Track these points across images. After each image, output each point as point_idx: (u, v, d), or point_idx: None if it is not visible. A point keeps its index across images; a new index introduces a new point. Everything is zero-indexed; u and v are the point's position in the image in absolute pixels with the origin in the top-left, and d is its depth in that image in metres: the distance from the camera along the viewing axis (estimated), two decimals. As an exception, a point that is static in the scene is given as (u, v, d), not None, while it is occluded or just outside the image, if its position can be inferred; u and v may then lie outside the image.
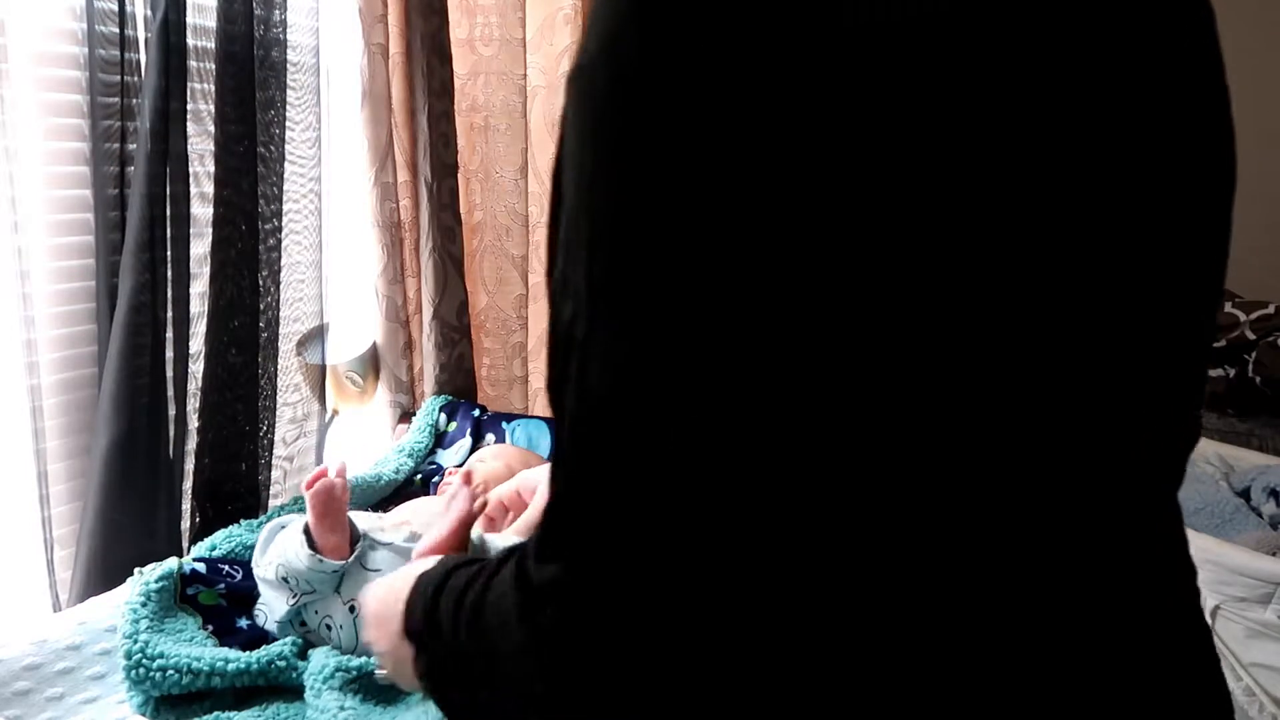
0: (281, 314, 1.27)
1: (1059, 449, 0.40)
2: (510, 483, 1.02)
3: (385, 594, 0.59)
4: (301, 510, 1.08)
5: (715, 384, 0.36)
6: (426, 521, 0.92)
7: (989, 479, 0.39)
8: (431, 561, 0.59)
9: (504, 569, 0.46)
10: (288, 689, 0.82)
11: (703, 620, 0.40)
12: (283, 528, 0.91)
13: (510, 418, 1.41)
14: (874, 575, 0.39)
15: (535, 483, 1.01)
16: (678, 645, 0.40)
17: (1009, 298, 0.37)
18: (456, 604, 0.49)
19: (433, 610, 0.52)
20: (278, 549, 0.87)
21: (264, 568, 0.89)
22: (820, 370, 0.36)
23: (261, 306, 1.22)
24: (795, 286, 0.35)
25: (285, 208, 1.26)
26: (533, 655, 0.43)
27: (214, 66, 1.13)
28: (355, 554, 0.85)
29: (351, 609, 0.85)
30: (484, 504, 0.87)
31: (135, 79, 1.05)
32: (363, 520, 0.92)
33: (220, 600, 0.92)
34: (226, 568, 0.98)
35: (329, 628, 0.85)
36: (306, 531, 0.85)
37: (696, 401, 0.36)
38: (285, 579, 0.86)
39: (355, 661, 0.81)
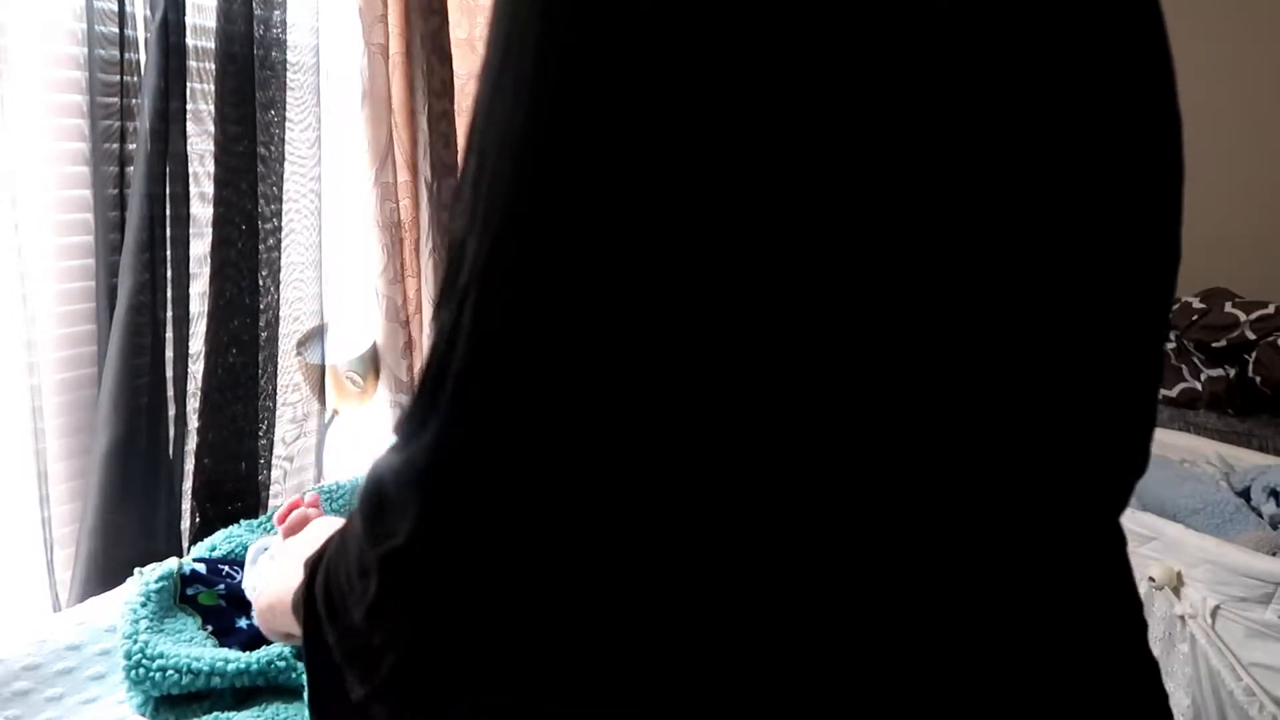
0: (281, 314, 1.27)
1: (1006, 458, 0.38)
2: None
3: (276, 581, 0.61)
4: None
5: (612, 346, 0.33)
6: None
7: (929, 483, 0.37)
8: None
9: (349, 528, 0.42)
10: (288, 689, 0.82)
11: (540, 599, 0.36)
12: (265, 549, 0.90)
13: (510, 418, 1.41)
14: (777, 572, 0.36)
15: None
16: (515, 619, 0.36)
17: (962, 299, 0.35)
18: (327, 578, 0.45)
19: (310, 587, 0.47)
20: (260, 577, 0.85)
21: (251, 594, 0.88)
22: (734, 355, 0.34)
23: (261, 306, 1.22)
24: (708, 263, 0.33)
25: (285, 208, 1.26)
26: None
27: (214, 66, 1.13)
28: None
29: None
30: None
31: (135, 79, 1.05)
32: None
33: (220, 600, 0.92)
34: (226, 568, 0.98)
35: None
36: None
37: (592, 362, 0.33)
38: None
39: None
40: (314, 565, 0.46)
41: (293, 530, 0.81)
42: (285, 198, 1.26)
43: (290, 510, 0.81)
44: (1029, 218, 0.36)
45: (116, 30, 1.03)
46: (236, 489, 1.20)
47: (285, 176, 1.26)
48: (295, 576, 0.50)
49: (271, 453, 1.27)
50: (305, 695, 0.79)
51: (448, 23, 1.47)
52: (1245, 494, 1.85)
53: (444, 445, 0.36)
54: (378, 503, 0.39)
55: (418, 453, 0.36)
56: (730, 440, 0.34)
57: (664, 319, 0.33)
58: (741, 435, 0.34)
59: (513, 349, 0.34)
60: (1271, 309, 2.37)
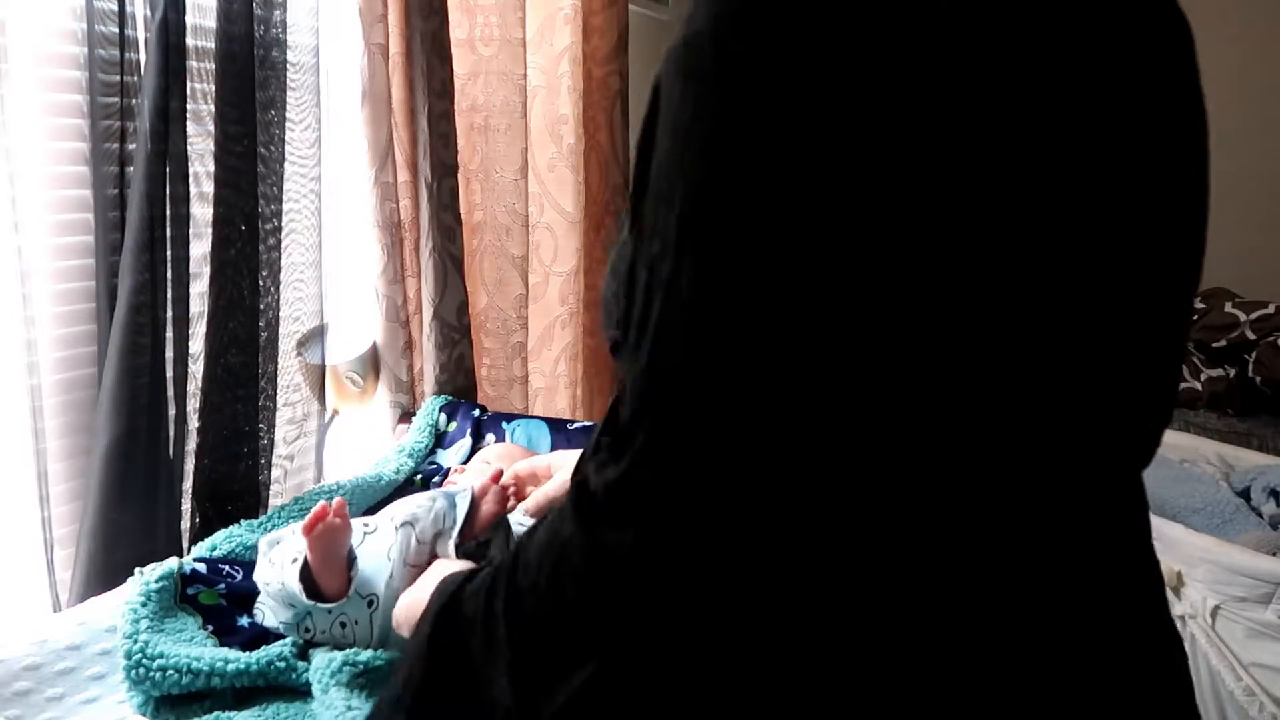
0: (281, 314, 1.27)
1: (1049, 428, 0.45)
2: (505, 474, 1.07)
3: (411, 604, 0.68)
4: (297, 517, 1.08)
5: (779, 321, 0.42)
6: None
7: (987, 449, 0.44)
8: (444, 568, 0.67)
9: (532, 547, 0.51)
10: (288, 689, 0.82)
11: (753, 542, 0.45)
12: (277, 543, 0.89)
13: (510, 418, 1.41)
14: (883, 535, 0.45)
15: (530, 468, 1.05)
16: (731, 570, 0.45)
17: (1021, 291, 0.43)
18: (486, 603, 0.54)
19: (445, 616, 0.58)
20: (275, 576, 0.85)
21: (264, 588, 0.87)
22: (858, 333, 0.42)
23: (261, 306, 1.22)
24: (850, 260, 0.41)
25: (285, 208, 1.26)
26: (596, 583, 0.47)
27: (214, 66, 1.13)
28: (353, 586, 0.83)
29: (370, 603, 0.83)
30: (513, 505, 0.88)
31: (135, 79, 1.05)
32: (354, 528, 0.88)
33: (220, 600, 0.92)
34: (227, 568, 0.98)
35: (343, 625, 0.83)
36: (304, 576, 0.82)
37: (764, 332, 0.42)
38: (292, 605, 0.84)
39: (363, 655, 0.80)
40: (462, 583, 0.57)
41: (319, 539, 0.81)
42: (285, 198, 1.26)
43: (317, 520, 0.81)
44: (1080, 228, 0.44)
45: (116, 30, 1.03)
46: (236, 489, 1.20)
47: (285, 176, 1.26)
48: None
49: (271, 453, 1.27)
50: (313, 690, 0.79)
51: (448, 23, 1.47)
52: (1245, 494, 1.85)
53: (659, 459, 0.45)
54: (590, 516, 0.47)
55: (635, 468, 0.45)
56: (854, 426, 0.43)
57: (813, 348, 0.42)
58: (861, 419, 0.43)
59: (705, 381, 0.43)
60: (1271, 309, 2.37)
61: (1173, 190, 0.47)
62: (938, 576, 0.45)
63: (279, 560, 0.86)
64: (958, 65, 0.40)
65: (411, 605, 0.73)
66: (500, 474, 0.92)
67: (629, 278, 0.47)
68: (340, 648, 0.82)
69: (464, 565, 0.74)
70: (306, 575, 0.82)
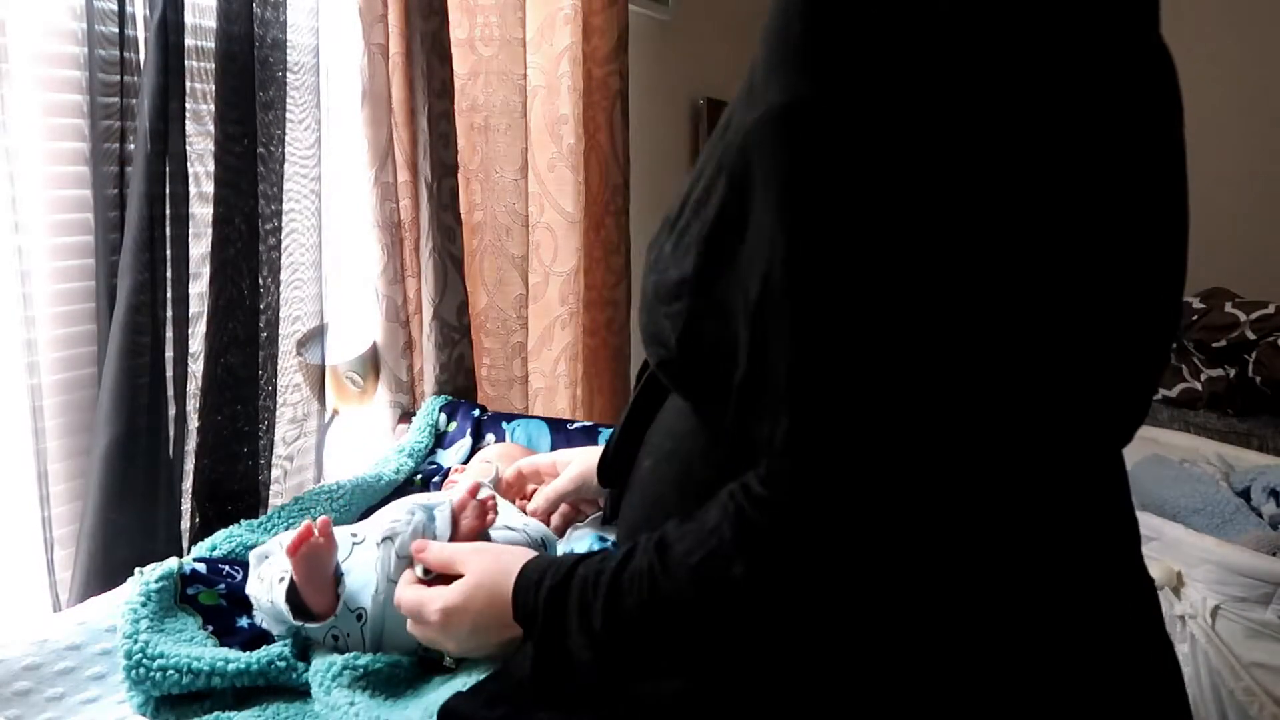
0: (281, 314, 1.27)
1: (1052, 417, 0.54)
2: (509, 470, 1.10)
3: (476, 591, 0.72)
4: (297, 517, 1.08)
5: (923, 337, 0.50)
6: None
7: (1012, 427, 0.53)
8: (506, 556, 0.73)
9: (675, 539, 0.59)
10: (288, 689, 0.82)
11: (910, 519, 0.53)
12: (266, 558, 0.88)
13: (510, 418, 1.41)
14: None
15: (534, 465, 1.07)
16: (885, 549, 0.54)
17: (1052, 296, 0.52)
18: (612, 582, 0.61)
19: (560, 597, 0.64)
20: (264, 593, 0.84)
21: (255, 603, 0.87)
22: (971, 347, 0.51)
23: (261, 306, 1.22)
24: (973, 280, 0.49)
25: (285, 208, 1.26)
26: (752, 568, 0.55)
27: (214, 66, 1.13)
28: (341, 601, 0.82)
29: (359, 617, 0.83)
30: (492, 519, 0.87)
31: (135, 79, 1.05)
32: (341, 539, 0.87)
33: (220, 600, 0.92)
34: (227, 568, 0.98)
35: (336, 638, 0.83)
36: (290, 596, 0.81)
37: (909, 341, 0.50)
38: (281, 621, 0.84)
39: (363, 659, 0.80)
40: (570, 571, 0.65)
41: (303, 560, 0.80)
42: (285, 198, 1.26)
43: (301, 541, 0.80)
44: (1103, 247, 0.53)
45: (116, 30, 1.03)
46: (236, 489, 1.20)
47: (285, 176, 1.26)
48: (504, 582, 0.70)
49: (271, 453, 1.27)
50: (314, 692, 0.79)
51: (448, 23, 1.47)
52: (1245, 494, 1.85)
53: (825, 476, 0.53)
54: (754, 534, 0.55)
55: (802, 487, 0.53)
56: (965, 421, 0.52)
57: (921, 352, 0.50)
58: (970, 416, 0.52)
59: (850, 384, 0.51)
60: (1271, 309, 2.37)
61: (1160, 189, 0.55)
62: (969, 557, 0.55)
63: (267, 577, 0.85)
64: (1018, 112, 0.49)
65: (475, 591, 0.74)
66: (478, 487, 0.90)
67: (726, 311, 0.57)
68: (340, 653, 0.82)
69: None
70: (293, 595, 0.81)
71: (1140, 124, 0.53)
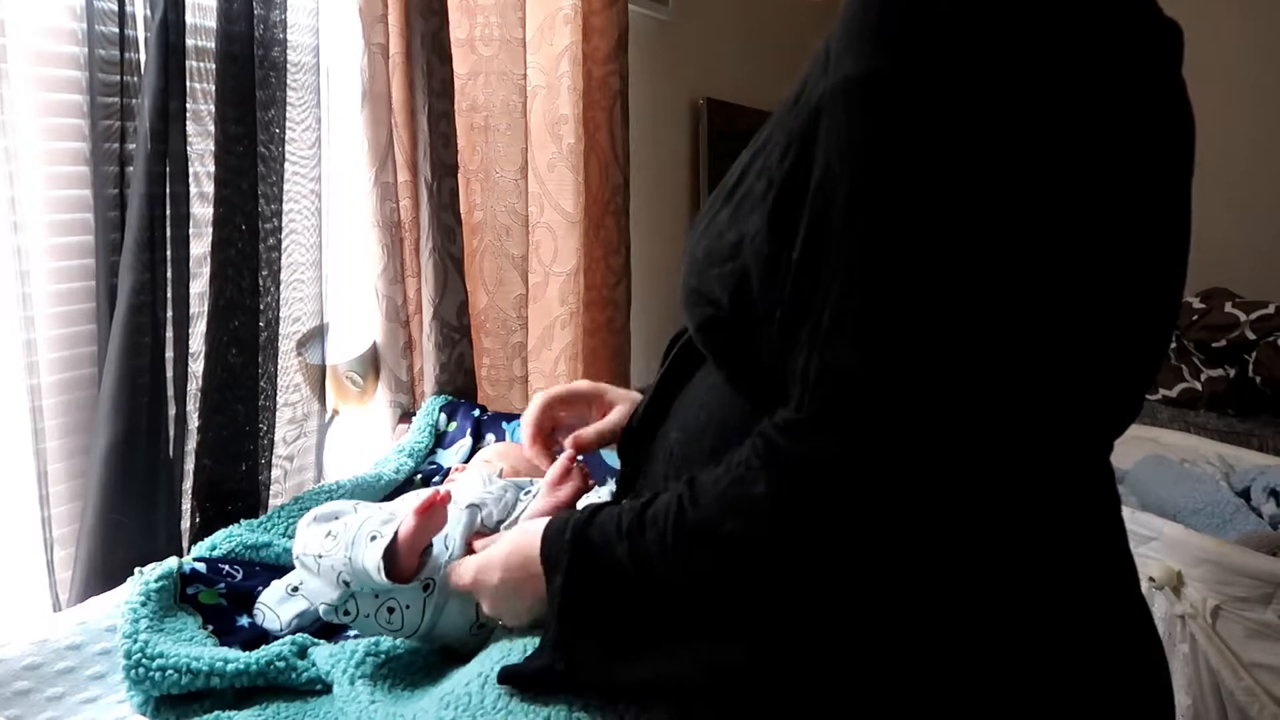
0: (281, 314, 1.27)
1: (1053, 412, 0.57)
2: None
3: (504, 544, 0.73)
4: (297, 517, 1.08)
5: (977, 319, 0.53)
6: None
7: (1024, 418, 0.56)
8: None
9: (702, 477, 0.61)
10: (288, 689, 0.82)
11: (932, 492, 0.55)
12: (334, 517, 0.85)
13: (510, 418, 1.41)
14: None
15: (575, 390, 1.01)
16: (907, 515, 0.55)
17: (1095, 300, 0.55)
18: (637, 520, 0.62)
19: (582, 536, 0.65)
20: (338, 551, 0.82)
21: (311, 561, 0.83)
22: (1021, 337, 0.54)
23: (261, 306, 1.22)
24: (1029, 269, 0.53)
25: (285, 208, 1.26)
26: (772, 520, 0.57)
27: (214, 66, 1.13)
28: (425, 571, 0.81)
29: (426, 586, 0.81)
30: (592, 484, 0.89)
31: (135, 79, 1.05)
32: (375, 510, 0.87)
33: (220, 600, 0.92)
34: (226, 567, 0.98)
35: (391, 610, 0.82)
36: (388, 555, 0.80)
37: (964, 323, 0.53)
38: (346, 582, 0.81)
39: (385, 644, 0.79)
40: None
41: (425, 523, 0.80)
42: (285, 198, 1.26)
43: (432, 504, 0.80)
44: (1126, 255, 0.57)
45: (116, 30, 1.03)
46: (236, 489, 1.20)
47: (285, 176, 1.26)
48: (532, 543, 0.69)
49: (271, 453, 1.27)
50: (337, 680, 0.78)
51: (448, 23, 1.47)
52: (1245, 494, 1.85)
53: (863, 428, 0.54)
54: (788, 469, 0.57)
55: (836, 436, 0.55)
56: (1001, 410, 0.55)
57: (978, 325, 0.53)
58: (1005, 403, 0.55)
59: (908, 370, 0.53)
60: (1271, 309, 2.37)
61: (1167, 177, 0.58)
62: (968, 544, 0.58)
63: (346, 537, 0.82)
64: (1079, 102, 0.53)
65: (504, 544, 0.75)
66: (573, 456, 0.89)
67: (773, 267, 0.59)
68: (386, 629, 0.81)
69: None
70: (391, 555, 0.80)
71: (1156, 118, 0.56)
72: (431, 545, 0.82)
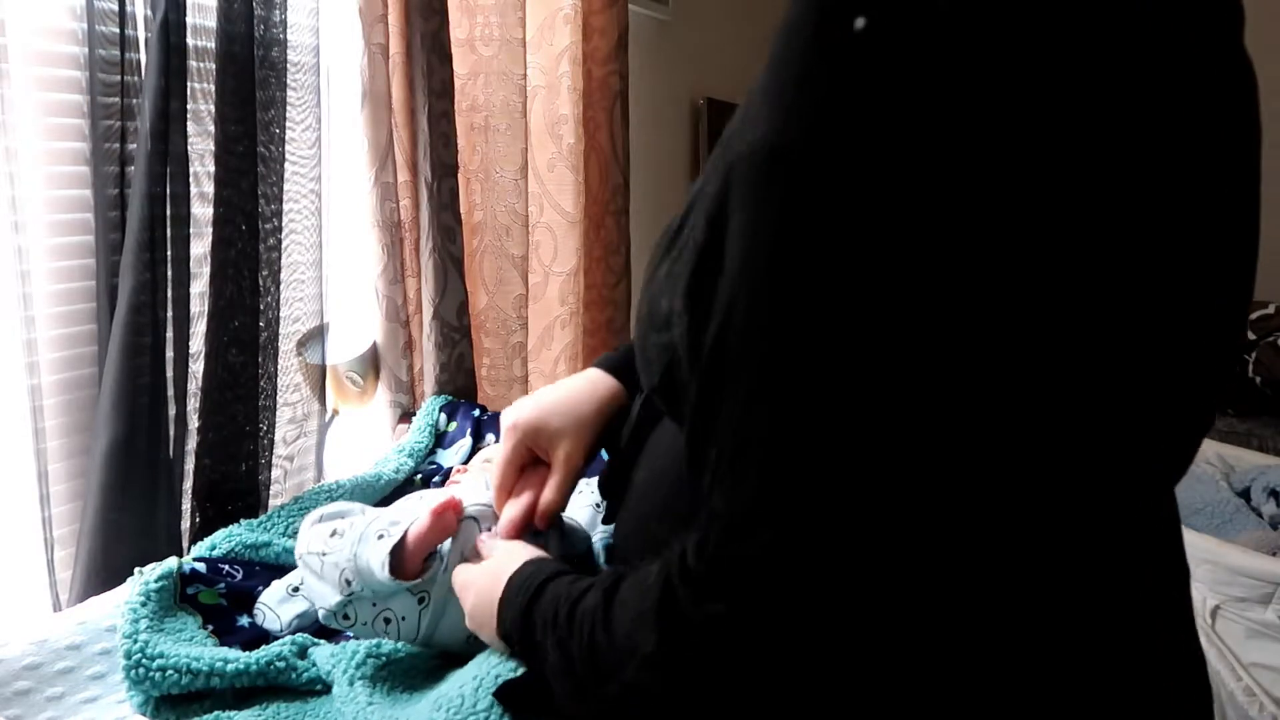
0: (281, 314, 1.27)
1: (1112, 441, 0.46)
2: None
3: (479, 598, 0.70)
4: (297, 517, 1.08)
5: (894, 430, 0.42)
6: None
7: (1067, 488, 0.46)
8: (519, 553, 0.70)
9: (627, 586, 0.53)
10: (288, 689, 0.82)
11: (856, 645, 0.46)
12: (340, 516, 0.85)
13: (510, 418, 1.41)
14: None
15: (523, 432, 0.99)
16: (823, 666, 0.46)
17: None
18: (569, 615, 0.57)
19: (527, 620, 0.62)
20: (344, 549, 0.81)
21: (314, 560, 0.83)
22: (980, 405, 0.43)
23: (261, 306, 1.22)
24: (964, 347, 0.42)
25: (285, 208, 1.26)
26: (663, 670, 0.49)
27: (214, 66, 1.13)
28: (430, 572, 0.80)
29: (421, 600, 0.80)
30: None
31: (135, 79, 1.05)
32: (384, 513, 0.87)
33: (220, 600, 0.92)
34: (226, 567, 0.98)
35: (387, 620, 0.82)
36: (395, 552, 0.79)
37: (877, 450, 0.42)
38: (349, 581, 0.81)
39: (386, 646, 0.79)
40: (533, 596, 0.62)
41: (437, 524, 0.79)
42: (285, 198, 1.26)
43: (449, 508, 0.79)
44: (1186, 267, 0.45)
45: (117, 30, 1.03)
46: (236, 489, 1.20)
47: (285, 176, 1.26)
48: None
49: (271, 453, 1.27)
50: (337, 679, 0.78)
51: (448, 23, 1.47)
52: (1245, 494, 1.86)
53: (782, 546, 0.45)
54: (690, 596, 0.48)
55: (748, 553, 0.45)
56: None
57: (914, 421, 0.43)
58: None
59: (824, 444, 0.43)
60: (1271, 309, 2.37)
61: (1231, 186, 0.47)
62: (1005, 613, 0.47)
63: (353, 534, 0.82)
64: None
65: (483, 588, 0.72)
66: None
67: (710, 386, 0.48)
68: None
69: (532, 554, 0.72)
70: (398, 552, 0.79)
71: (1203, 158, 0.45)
72: (437, 551, 0.82)
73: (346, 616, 0.82)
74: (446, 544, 0.82)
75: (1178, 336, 0.45)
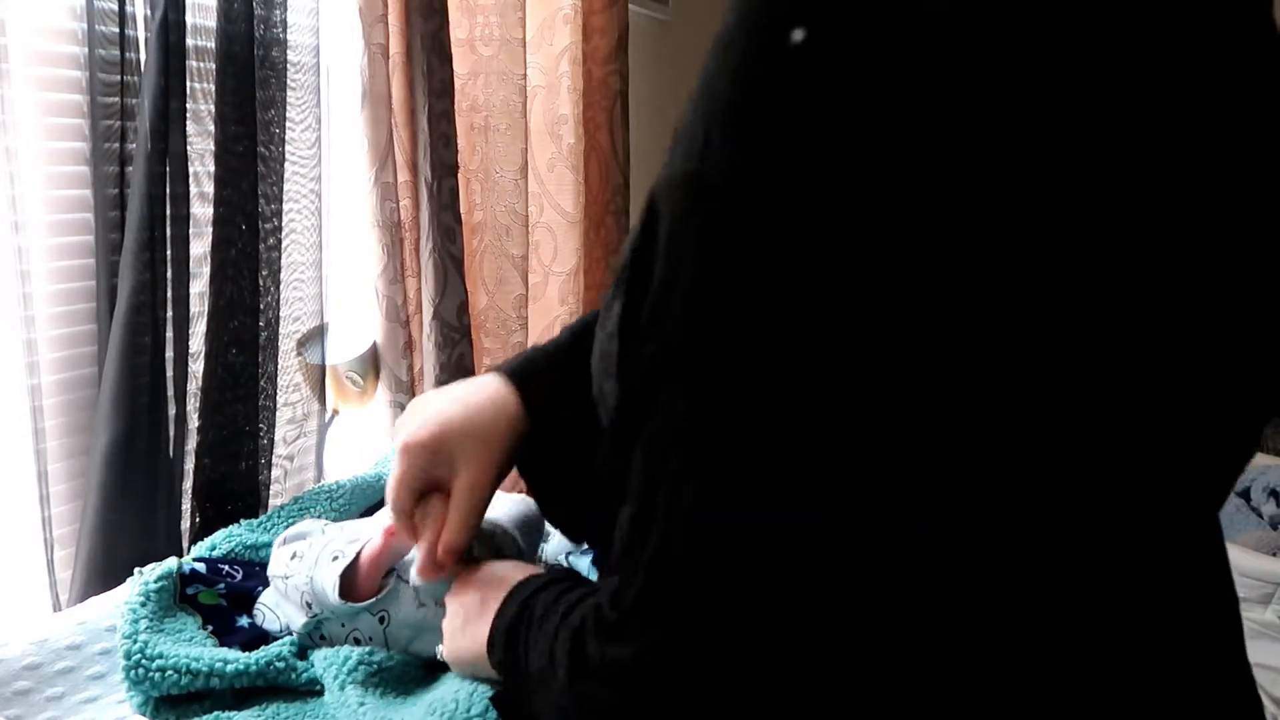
0: (281, 314, 1.27)
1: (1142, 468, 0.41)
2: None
3: (470, 613, 0.69)
4: (297, 517, 1.08)
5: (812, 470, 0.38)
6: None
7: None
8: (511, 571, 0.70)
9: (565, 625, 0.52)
10: (288, 689, 0.82)
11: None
12: (301, 538, 0.86)
13: (510, 418, 1.41)
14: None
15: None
16: None
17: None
18: (532, 639, 0.57)
19: (512, 642, 0.62)
20: (301, 571, 0.83)
21: (280, 583, 0.85)
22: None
23: (261, 306, 1.22)
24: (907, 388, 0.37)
25: (285, 208, 1.26)
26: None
27: (214, 66, 1.13)
28: (386, 591, 0.82)
29: (381, 619, 0.82)
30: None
31: (135, 79, 1.05)
32: (345, 530, 0.87)
33: (220, 600, 0.92)
34: (226, 567, 0.98)
35: (357, 640, 0.83)
36: (346, 574, 0.80)
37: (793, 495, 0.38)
38: (309, 604, 0.83)
39: (378, 655, 0.80)
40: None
41: (390, 546, 0.79)
42: (285, 198, 1.26)
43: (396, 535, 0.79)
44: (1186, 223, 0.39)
45: (116, 30, 1.03)
46: (236, 489, 1.20)
47: (285, 176, 1.26)
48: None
49: (271, 453, 1.27)
50: (328, 684, 0.78)
51: (448, 23, 1.47)
52: (1245, 494, 1.86)
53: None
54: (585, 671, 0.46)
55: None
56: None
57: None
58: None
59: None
60: (1271, 309, 2.37)
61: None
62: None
63: (308, 556, 0.83)
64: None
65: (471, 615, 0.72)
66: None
67: (628, 414, 0.44)
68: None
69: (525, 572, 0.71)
70: (349, 575, 0.80)
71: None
72: (394, 570, 0.82)
73: (323, 636, 0.83)
74: (413, 552, 0.82)
75: (1207, 356, 0.40)
